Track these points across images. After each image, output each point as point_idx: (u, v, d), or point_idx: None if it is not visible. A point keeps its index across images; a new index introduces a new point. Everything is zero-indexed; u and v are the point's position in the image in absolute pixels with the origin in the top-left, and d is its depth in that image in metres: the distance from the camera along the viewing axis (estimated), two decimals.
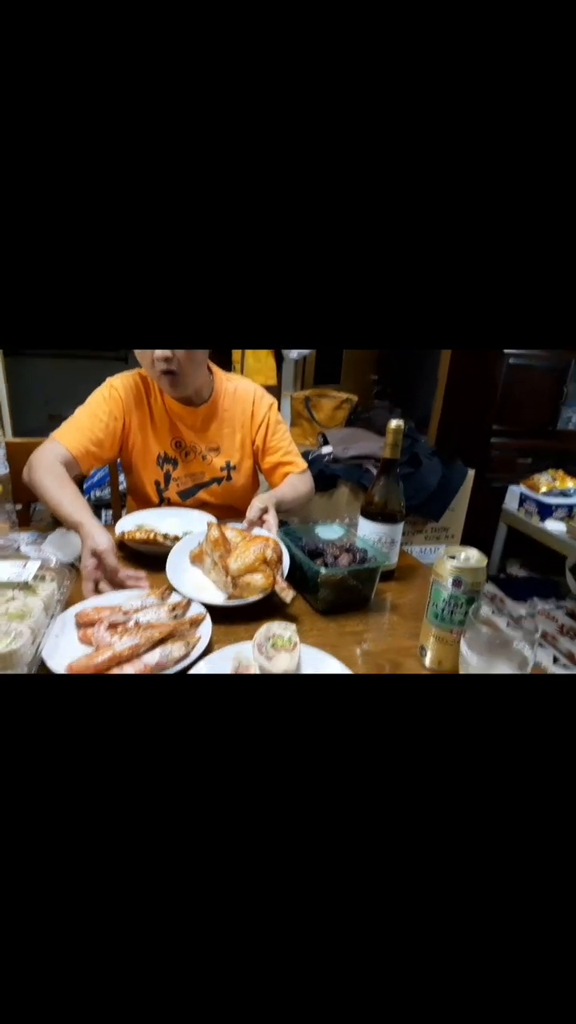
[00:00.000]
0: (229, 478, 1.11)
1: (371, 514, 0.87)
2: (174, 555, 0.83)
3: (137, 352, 1.00)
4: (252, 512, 0.92)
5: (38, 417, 2.43)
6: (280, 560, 0.79)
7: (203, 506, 1.10)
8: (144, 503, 1.11)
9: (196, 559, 0.84)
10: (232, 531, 0.84)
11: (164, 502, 1.10)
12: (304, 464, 1.16)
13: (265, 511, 0.93)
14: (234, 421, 1.09)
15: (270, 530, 0.90)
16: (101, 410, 1.00)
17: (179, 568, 0.81)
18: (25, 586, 0.67)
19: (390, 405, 2.25)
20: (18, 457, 1.05)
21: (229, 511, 1.11)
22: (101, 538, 0.77)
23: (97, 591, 0.75)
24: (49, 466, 0.90)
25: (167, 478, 1.08)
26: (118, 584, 0.77)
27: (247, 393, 1.11)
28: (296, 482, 1.11)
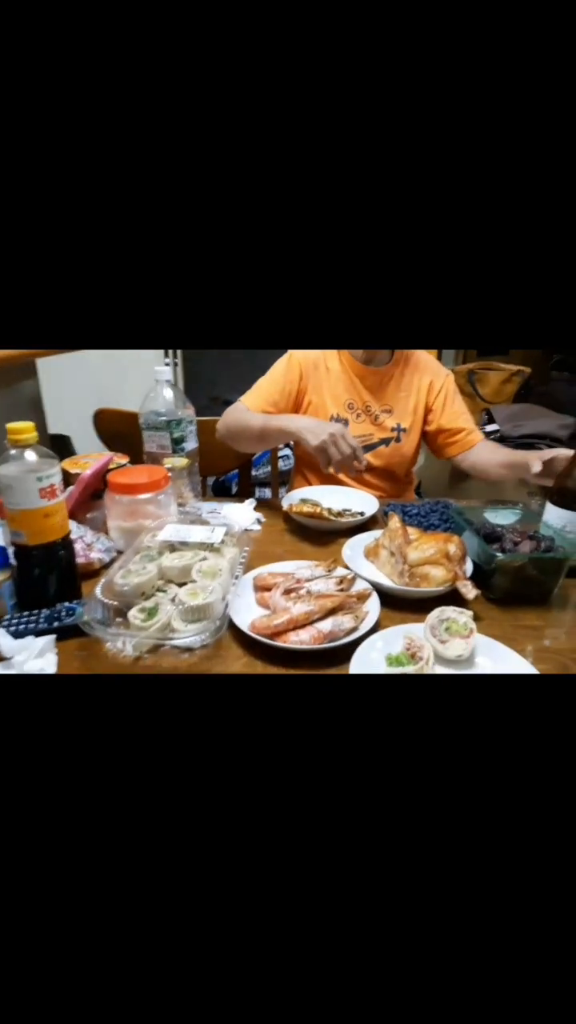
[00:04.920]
0: (399, 439, 1.17)
1: (565, 499, 0.78)
2: (348, 548, 0.83)
3: None
4: (541, 455, 0.91)
5: (202, 400, 2.72)
6: (464, 557, 0.76)
7: (368, 470, 1.14)
8: (311, 465, 1.18)
9: (370, 554, 0.83)
10: (411, 528, 0.82)
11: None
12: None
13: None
14: (410, 386, 1.17)
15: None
16: (278, 373, 1.15)
17: (353, 560, 0.81)
18: (213, 548, 0.75)
19: (571, 377, 1.96)
20: (202, 428, 1.16)
21: (389, 477, 1.18)
22: (336, 424, 0.95)
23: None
24: (239, 412, 1.11)
25: None
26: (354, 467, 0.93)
27: (426, 363, 1.19)
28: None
